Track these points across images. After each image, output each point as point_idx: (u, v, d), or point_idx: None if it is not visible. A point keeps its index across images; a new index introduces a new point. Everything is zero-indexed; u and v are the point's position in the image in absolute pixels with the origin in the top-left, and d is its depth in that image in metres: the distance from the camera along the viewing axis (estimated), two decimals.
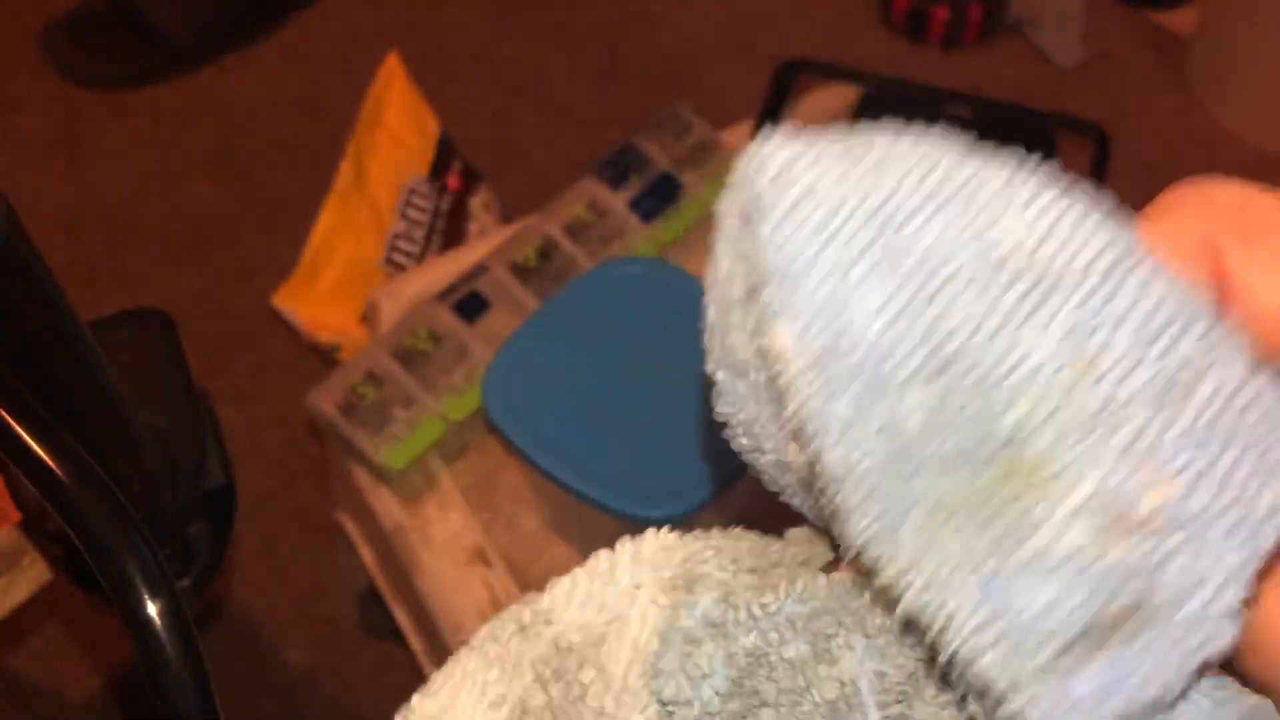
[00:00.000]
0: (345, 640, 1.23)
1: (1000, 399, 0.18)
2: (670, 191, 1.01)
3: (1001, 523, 0.17)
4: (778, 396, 0.20)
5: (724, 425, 0.23)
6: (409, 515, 0.90)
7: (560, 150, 1.55)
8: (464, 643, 0.24)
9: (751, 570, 0.22)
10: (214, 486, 0.65)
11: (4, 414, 0.41)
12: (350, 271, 1.33)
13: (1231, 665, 0.19)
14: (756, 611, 0.21)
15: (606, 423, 0.82)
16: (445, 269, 1.00)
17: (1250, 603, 0.17)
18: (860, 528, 0.18)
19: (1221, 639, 0.17)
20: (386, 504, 0.91)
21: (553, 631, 0.22)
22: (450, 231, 1.36)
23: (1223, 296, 0.20)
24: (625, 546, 0.22)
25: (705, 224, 1.02)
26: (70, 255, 1.45)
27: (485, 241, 1.03)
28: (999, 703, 0.18)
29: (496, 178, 1.45)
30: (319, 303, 1.32)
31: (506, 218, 1.39)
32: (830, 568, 0.22)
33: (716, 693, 0.20)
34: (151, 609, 0.38)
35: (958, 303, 0.18)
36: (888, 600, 0.19)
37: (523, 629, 0.22)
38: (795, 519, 0.24)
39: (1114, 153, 1.08)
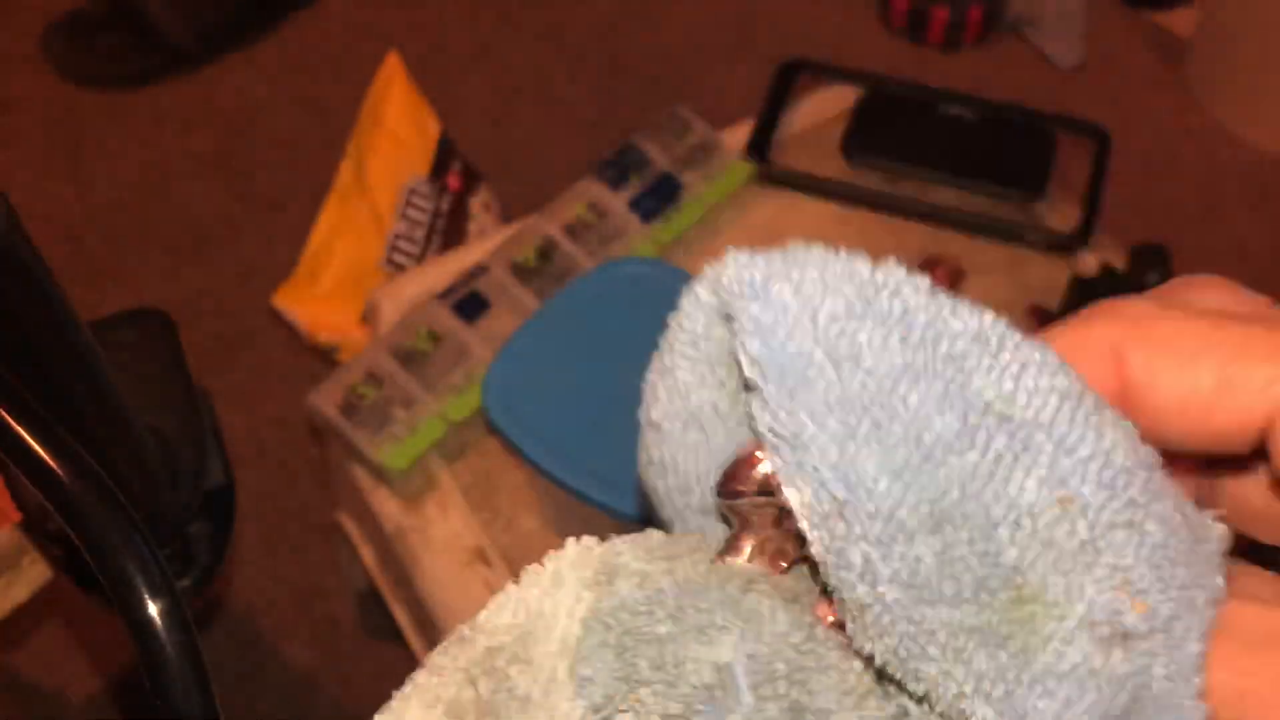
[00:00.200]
0: (345, 640, 1.23)
1: (999, 540, 0.21)
2: (670, 191, 1.01)
3: (1015, 642, 0.21)
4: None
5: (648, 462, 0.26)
6: (409, 515, 0.90)
7: (560, 150, 1.55)
8: (452, 633, 0.25)
9: (666, 558, 0.24)
10: (214, 486, 0.65)
11: (4, 414, 0.41)
12: (350, 271, 1.33)
13: None
14: (648, 591, 0.23)
15: (607, 423, 0.82)
16: (445, 269, 1.00)
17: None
18: (889, 646, 0.21)
19: (1199, 715, 0.21)
20: (386, 504, 0.91)
21: (485, 638, 0.24)
22: (450, 231, 1.36)
23: (1126, 395, 0.24)
24: (550, 556, 0.25)
25: (705, 224, 1.02)
26: (70, 255, 1.46)
27: (485, 241, 1.03)
28: None
29: (496, 178, 1.45)
30: (319, 303, 1.32)
31: (506, 218, 1.39)
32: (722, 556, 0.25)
33: (612, 675, 0.23)
34: (152, 609, 0.38)
35: (949, 460, 0.21)
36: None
37: (460, 640, 0.24)
38: None
39: (1114, 153, 1.08)
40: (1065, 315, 0.91)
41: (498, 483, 0.90)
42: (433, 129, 1.39)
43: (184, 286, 1.44)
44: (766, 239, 1.12)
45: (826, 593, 0.23)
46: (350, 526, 1.05)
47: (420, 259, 1.33)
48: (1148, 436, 0.23)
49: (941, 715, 0.21)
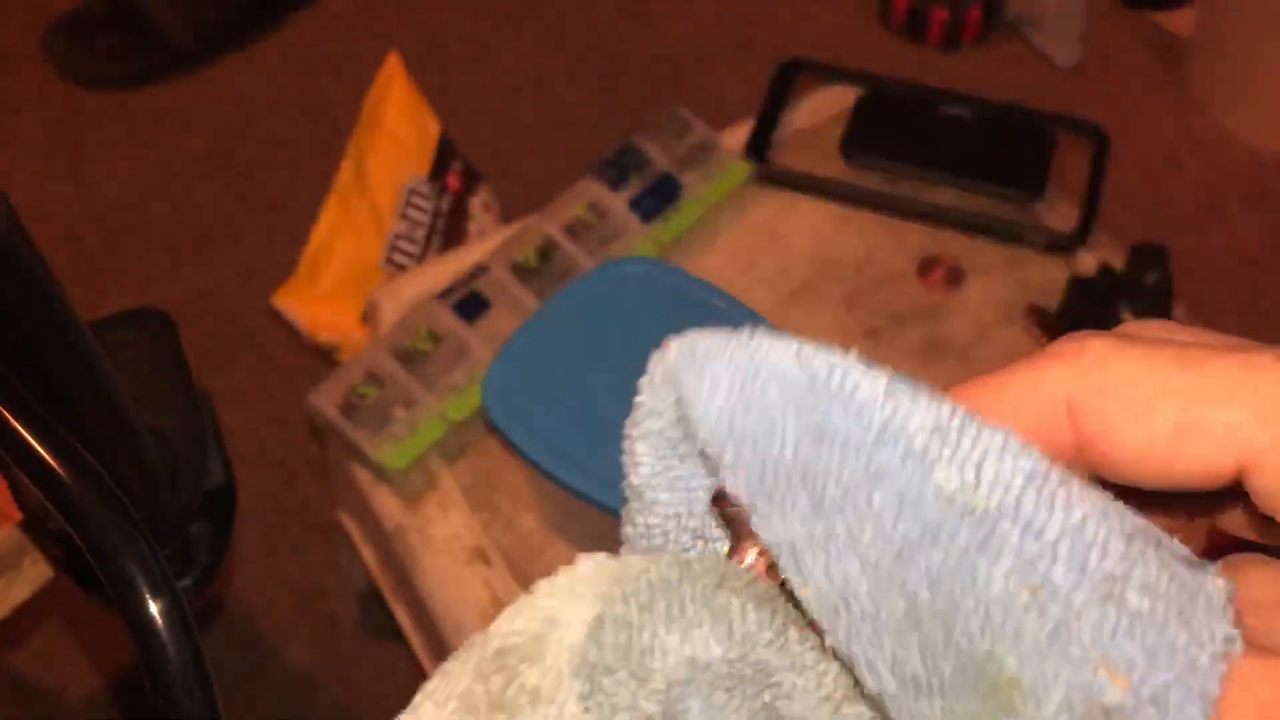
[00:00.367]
0: (345, 640, 1.23)
1: (971, 633, 0.21)
2: (670, 191, 1.01)
3: None
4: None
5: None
6: (409, 515, 0.90)
7: (560, 150, 1.55)
8: (465, 641, 0.26)
9: (679, 563, 0.25)
10: (214, 486, 0.65)
11: (5, 414, 0.41)
12: (350, 271, 1.33)
13: None
14: (628, 586, 0.24)
15: (606, 422, 0.82)
16: (445, 269, 1.00)
17: None
18: None
19: None
20: (387, 504, 0.92)
21: (497, 640, 0.25)
22: (450, 231, 1.36)
23: (1082, 449, 0.23)
24: (564, 569, 0.26)
25: (705, 224, 1.02)
26: (70, 255, 1.46)
27: (485, 241, 1.03)
28: None
29: (496, 178, 1.45)
30: (319, 303, 1.32)
31: (506, 218, 1.39)
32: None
33: (594, 666, 0.24)
34: (152, 608, 0.38)
35: (916, 559, 0.21)
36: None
37: (471, 645, 0.25)
38: None
39: (1113, 153, 1.08)
40: (1064, 315, 0.91)
41: (498, 483, 0.91)
42: (433, 129, 1.39)
43: (184, 286, 1.44)
44: (766, 239, 1.13)
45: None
46: (350, 526, 1.05)
47: (420, 259, 1.33)
48: (1114, 481, 0.23)
49: None
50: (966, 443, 0.22)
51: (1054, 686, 0.21)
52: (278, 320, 1.36)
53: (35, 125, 1.58)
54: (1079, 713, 0.20)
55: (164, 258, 1.47)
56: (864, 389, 0.22)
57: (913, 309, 0.99)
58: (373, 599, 1.09)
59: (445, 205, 1.36)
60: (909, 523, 0.21)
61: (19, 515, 0.61)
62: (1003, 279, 1.02)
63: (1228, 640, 0.21)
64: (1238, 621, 0.21)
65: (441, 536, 0.89)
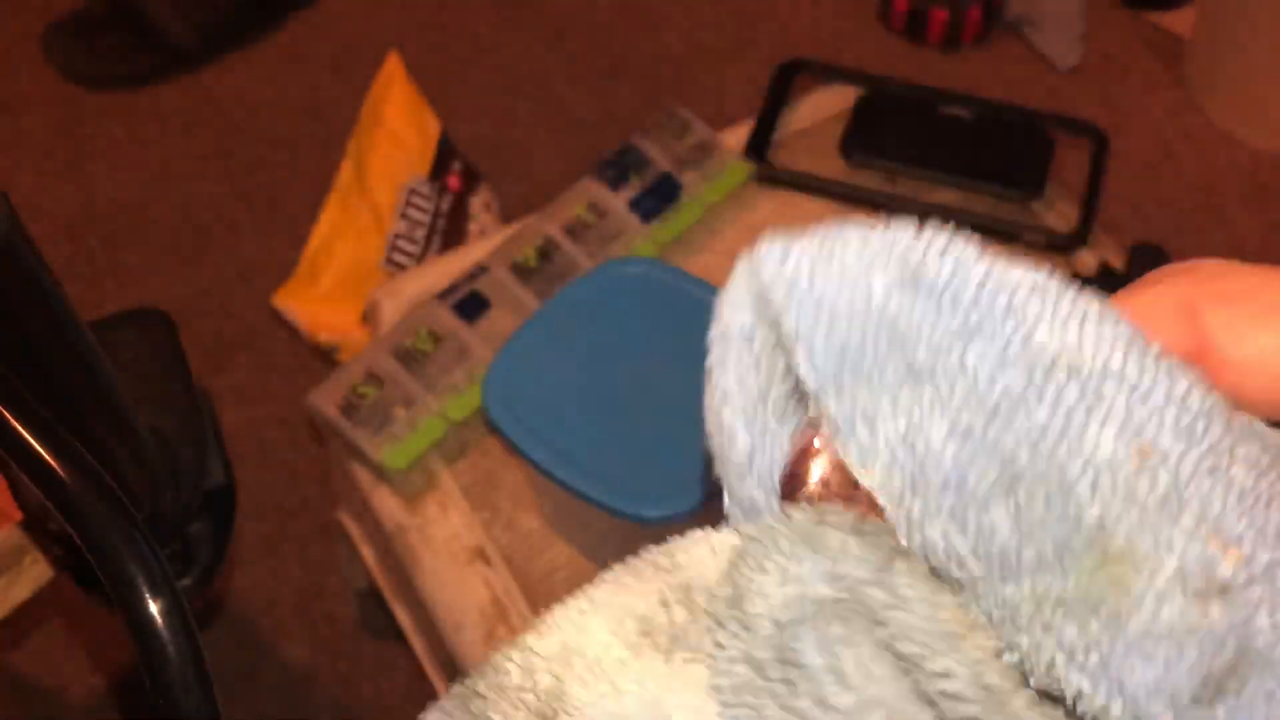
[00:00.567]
0: (345, 640, 1.23)
1: (1078, 499, 0.20)
2: (670, 191, 1.01)
3: (1106, 606, 0.20)
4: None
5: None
6: (409, 515, 0.90)
7: (560, 150, 1.55)
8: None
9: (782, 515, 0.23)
10: (214, 486, 0.65)
11: (5, 414, 0.41)
12: (350, 271, 1.33)
13: None
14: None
15: (606, 423, 0.82)
16: (445, 269, 1.00)
17: None
18: (976, 604, 0.21)
19: None
20: (387, 503, 0.92)
21: (686, 572, 0.23)
22: (450, 231, 1.36)
23: (1202, 355, 0.23)
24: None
25: (705, 224, 1.02)
26: (70, 255, 1.46)
27: (485, 241, 1.03)
28: None
29: (496, 178, 1.45)
30: (319, 303, 1.32)
31: (506, 218, 1.39)
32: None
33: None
34: (153, 608, 0.39)
35: (1016, 419, 0.20)
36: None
37: (656, 567, 0.23)
38: None
39: (1113, 153, 1.08)
40: None
41: (498, 482, 0.91)
42: (433, 129, 1.39)
43: (184, 286, 1.44)
44: None
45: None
46: (350, 526, 1.05)
47: (420, 259, 1.33)
48: (1227, 401, 0.22)
49: (1042, 689, 0.21)
50: (1065, 305, 0.21)
51: (1168, 556, 0.20)
52: (278, 320, 1.36)
53: (35, 125, 1.59)
54: (1191, 587, 0.19)
55: (164, 258, 1.47)
56: (958, 246, 0.21)
57: None
58: (373, 599, 1.09)
59: (445, 205, 1.36)
60: (1009, 381, 0.20)
61: (19, 515, 0.61)
62: None
63: None
64: None
65: (441, 536, 0.89)
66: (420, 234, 1.34)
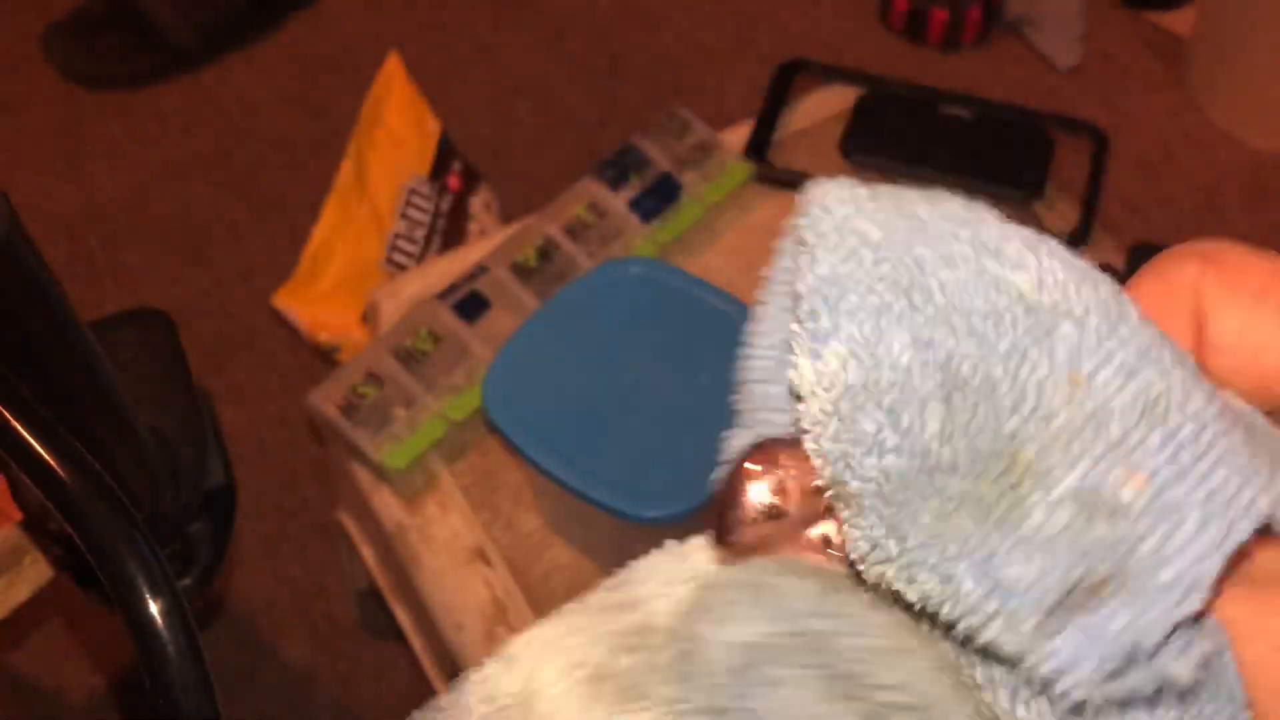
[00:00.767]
0: (345, 640, 1.23)
1: (1005, 406, 0.21)
2: (670, 191, 1.01)
3: (1000, 509, 0.21)
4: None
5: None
6: (409, 515, 0.90)
7: (560, 150, 1.55)
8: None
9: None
10: (214, 486, 0.65)
11: (5, 414, 0.41)
12: (350, 271, 1.33)
13: None
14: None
15: (607, 423, 0.82)
16: (445, 269, 1.00)
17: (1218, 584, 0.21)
18: (884, 517, 0.22)
19: (1187, 607, 0.20)
20: (387, 503, 0.92)
21: (640, 613, 0.24)
22: (450, 231, 1.36)
23: (1199, 330, 0.23)
24: (665, 551, 0.25)
25: (705, 224, 1.02)
26: (70, 255, 1.46)
27: (485, 241, 1.03)
28: (1013, 664, 0.21)
29: (496, 178, 1.45)
30: (319, 303, 1.32)
31: (506, 218, 1.39)
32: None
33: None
34: (153, 608, 0.39)
35: (973, 334, 0.22)
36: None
37: (605, 606, 0.24)
38: None
39: (1112, 153, 1.08)
40: None
41: (498, 482, 0.91)
42: (433, 129, 1.39)
43: (184, 286, 1.44)
44: (766, 239, 1.12)
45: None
46: (350, 526, 1.05)
47: (420, 259, 1.33)
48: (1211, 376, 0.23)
49: (923, 595, 0.22)
50: (1054, 260, 0.22)
51: (1069, 473, 0.21)
52: (278, 320, 1.36)
53: (35, 125, 1.59)
54: (1082, 502, 0.21)
55: (164, 258, 1.47)
56: (957, 201, 0.23)
57: None
58: (373, 599, 1.09)
59: (445, 205, 1.36)
60: (973, 304, 0.22)
61: (19, 515, 0.61)
62: None
63: (1267, 517, 0.21)
64: None
65: (441, 536, 0.89)
66: (420, 234, 1.34)
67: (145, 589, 0.39)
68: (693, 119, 1.05)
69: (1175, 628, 0.20)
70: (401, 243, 1.33)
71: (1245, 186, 1.55)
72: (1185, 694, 0.21)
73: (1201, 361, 0.23)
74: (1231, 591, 0.21)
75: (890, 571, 0.22)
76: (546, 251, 0.97)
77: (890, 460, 0.22)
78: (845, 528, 0.23)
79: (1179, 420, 0.21)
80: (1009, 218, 0.23)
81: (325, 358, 1.33)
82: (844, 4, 1.70)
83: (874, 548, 0.22)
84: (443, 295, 0.95)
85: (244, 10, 1.63)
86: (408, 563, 0.90)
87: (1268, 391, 0.23)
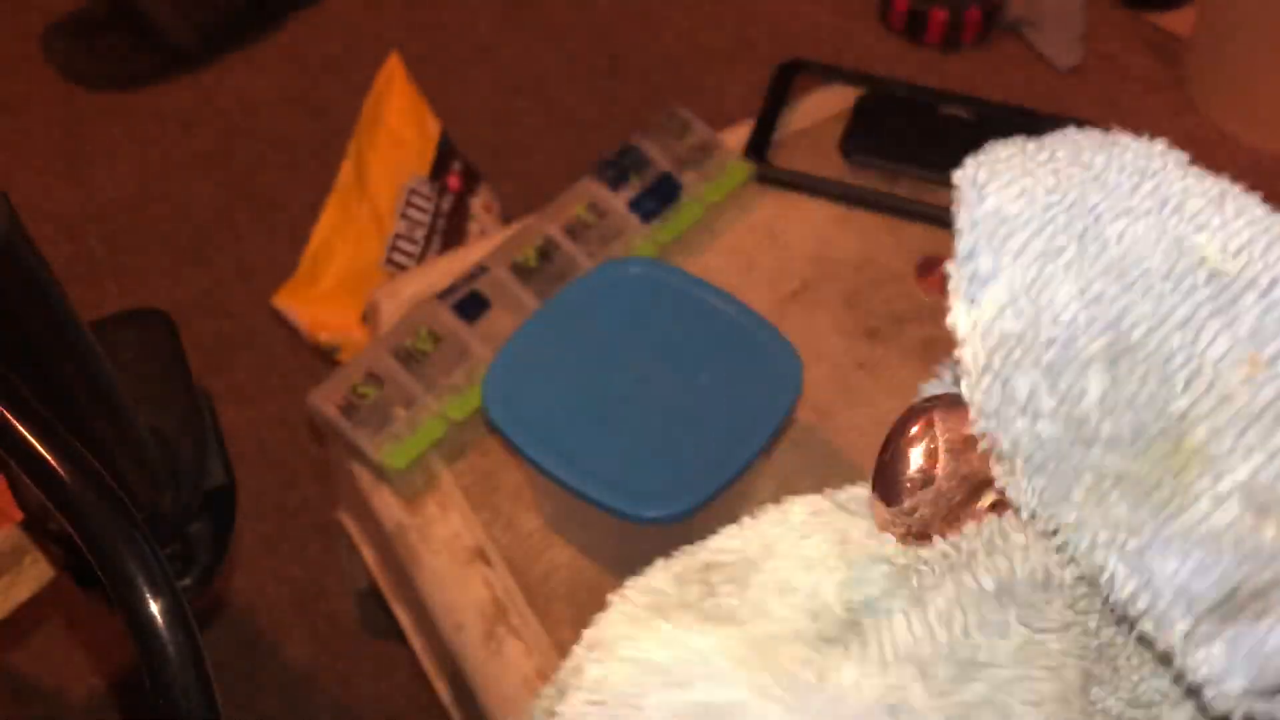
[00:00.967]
0: (345, 640, 1.23)
1: (1177, 383, 0.19)
2: (670, 192, 1.01)
3: (1160, 495, 0.19)
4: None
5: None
6: (409, 515, 0.90)
7: (560, 150, 1.55)
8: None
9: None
10: (215, 486, 0.65)
11: (6, 414, 0.41)
12: (350, 271, 1.33)
13: None
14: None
15: (607, 423, 0.82)
16: (445, 269, 1.00)
17: None
18: (1036, 487, 0.20)
19: None
20: (387, 503, 0.92)
21: (708, 554, 0.24)
22: (450, 231, 1.36)
23: None
24: (795, 500, 0.25)
25: (705, 224, 1.02)
26: (70, 255, 1.46)
27: (485, 241, 1.03)
28: (1166, 658, 0.20)
29: (496, 178, 1.45)
30: (319, 303, 1.32)
31: (506, 218, 1.39)
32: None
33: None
34: (153, 608, 0.39)
35: (1149, 296, 0.20)
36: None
37: (684, 552, 0.24)
38: None
39: None
40: None
41: (498, 482, 0.91)
42: (433, 129, 1.39)
43: (184, 286, 1.44)
44: (766, 239, 1.13)
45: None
46: (350, 526, 1.05)
47: (420, 259, 1.33)
48: None
49: (1082, 572, 0.20)
50: (1241, 221, 0.21)
51: (1242, 464, 0.19)
52: (278, 320, 1.36)
53: (35, 125, 1.59)
54: (1257, 500, 0.19)
55: (164, 258, 1.47)
56: (1152, 152, 0.22)
57: (913, 309, 0.99)
58: (373, 599, 1.09)
59: (445, 205, 1.36)
60: (1153, 263, 0.20)
61: (19, 515, 0.61)
62: None
63: None
64: None
65: (441, 536, 0.89)
66: (420, 234, 1.34)
67: (145, 589, 0.39)
68: (693, 119, 1.05)
69: None
70: (401, 243, 1.33)
71: (1245, 186, 1.55)
72: None
73: None
74: None
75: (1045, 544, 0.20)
76: (546, 251, 0.97)
77: (1044, 426, 0.20)
78: (1007, 490, 0.21)
79: None
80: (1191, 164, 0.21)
81: (325, 358, 1.33)
82: (844, 4, 1.70)
83: (1031, 516, 0.21)
84: (443, 295, 0.95)
85: (244, 10, 1.63)
86: (408, 563, 0.90)
87: None
